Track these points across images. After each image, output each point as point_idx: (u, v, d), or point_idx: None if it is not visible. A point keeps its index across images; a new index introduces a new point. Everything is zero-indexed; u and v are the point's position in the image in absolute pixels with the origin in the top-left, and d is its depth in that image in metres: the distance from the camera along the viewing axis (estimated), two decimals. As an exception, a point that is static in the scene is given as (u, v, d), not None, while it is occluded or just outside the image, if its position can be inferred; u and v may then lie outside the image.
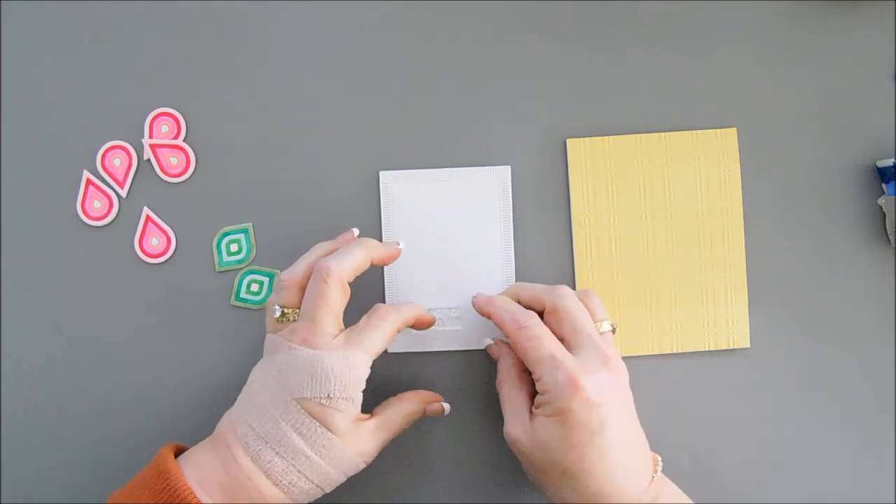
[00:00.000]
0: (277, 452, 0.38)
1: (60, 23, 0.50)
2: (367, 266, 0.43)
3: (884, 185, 0.49)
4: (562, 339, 0.41)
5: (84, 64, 0.50)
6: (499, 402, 0.44)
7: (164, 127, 0.50)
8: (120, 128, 0.50)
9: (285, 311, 0.42)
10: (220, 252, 0.50)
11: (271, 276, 0.50)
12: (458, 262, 0.48)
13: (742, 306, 0.49)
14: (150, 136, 0.50)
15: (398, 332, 0.43)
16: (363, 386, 0.40)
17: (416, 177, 0.48)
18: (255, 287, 0.49)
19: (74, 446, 0.49)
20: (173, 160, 0.50)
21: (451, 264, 0.48)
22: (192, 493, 0.36)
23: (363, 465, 0.41)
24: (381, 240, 0.48)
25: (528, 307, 0.44)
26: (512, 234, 0.49)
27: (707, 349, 0.49)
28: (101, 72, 0.50)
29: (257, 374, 0.41)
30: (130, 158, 0.50)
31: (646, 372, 0.49)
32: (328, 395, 0.38)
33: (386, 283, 0.49)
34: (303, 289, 0.42)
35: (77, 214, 0.50)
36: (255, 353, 0.46)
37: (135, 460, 0.45)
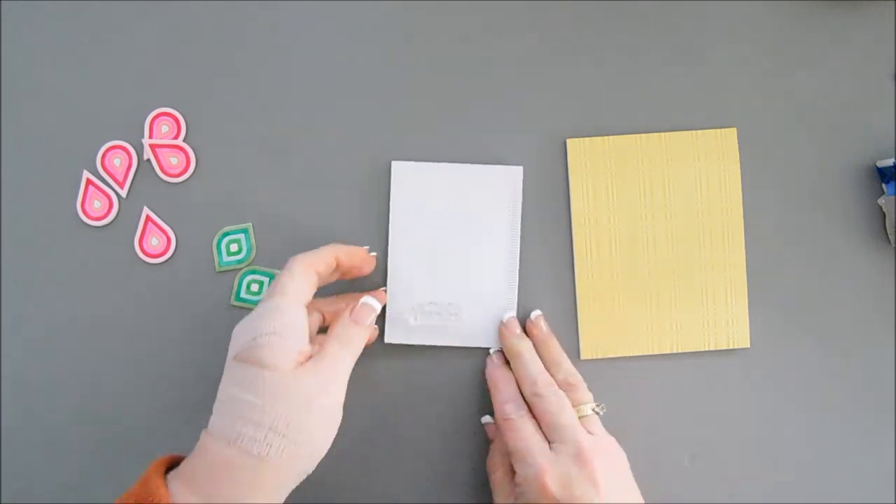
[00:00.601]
0: (222, 412, 0.37)
1: (60, 23, 0.50)
2: (331, 263, 0.42)
3: (884, 185, 0.49)
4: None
5: (84, 64, 0.50)
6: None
7: (164, 127, 0.50)
8: (120, 128, 0.50)
9: None
10: (220, 252, 0.50)
11: (271, 276, 0.50)
12: (462, 259, 0.48)
13: (742, 306, 0.49)
14: (150, 136, 0.50)
15: (320, 273, 0.42)
16: (296, 326, 0.38)
17: (426, 170, 0.48)
18: (255, 287, 0.49)
19: (74, 446, 0.49)
20: (173, 160, 0.50)
21: (454, 260, 0.48)
22: (165, 493, 0.35)
23: (327, 402, 0.38)
24: (387, 234, 0.48)
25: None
26: (519, 235, 0.48)
27: (707, 349, 0.49)
28: (101, 72, 0.50)
29: None
30: (130, 158, 0.50)
31: (646, 372, 0.49)
32: (253, 337, 0.37)
33: (388, 275, 0.48)
34: None
35: (77, 214, 0.50)
36: (255, 353, 0.46)
37: (135, 460, 0.45)
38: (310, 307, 0.42)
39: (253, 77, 0.50)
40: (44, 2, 0.51)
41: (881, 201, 0.49)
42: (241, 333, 0.39)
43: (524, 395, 0.45)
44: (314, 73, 0.50)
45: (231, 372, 0.38)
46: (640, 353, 0.49)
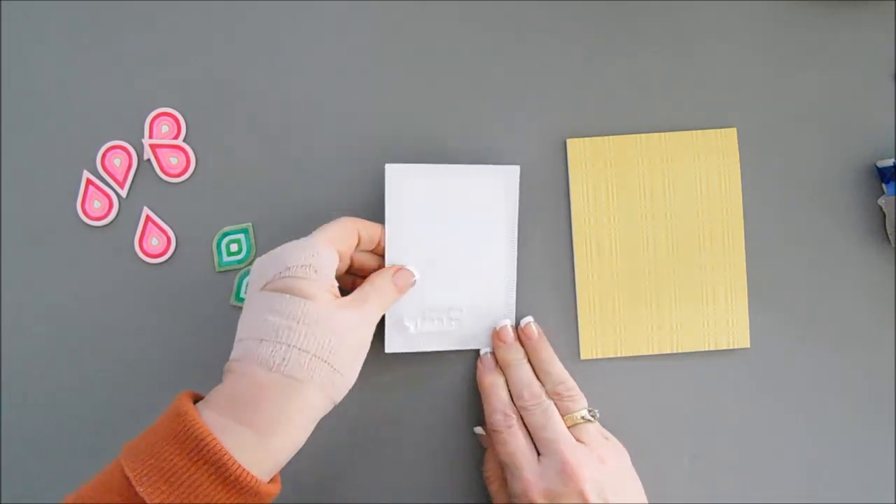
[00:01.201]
0: (262, 339, 0.37)
1: (60, 23, 0.50)
2: (354, 235, 0.43)
3: (884, 185, 0.49)
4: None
5: (84, 64, 0.50)
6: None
7: (164, 127, 0.50)
8: (120, 128, 0.50)
9: None
10: (220, 252, 0.50)
11: (271, 276, 0.50)
12: (460, 262, 0.47)
13: (742, 306, 0.49)
14: (150, 136, 0.50)
15: (355, 233, 0.43)
16: (327, 264, 0.40)
17: (421, 172, 0.46)
18: (255, 287, 0.49)
19: (74, 446, 0.49)
20: (173, 160, 0.50)
21: (452, 264, 0.47)
22: (203, 427, 0.35)
23: (362, 336, 0.40)
24: (383, 237, 0.46)
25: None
26: (516, 235, 0.47)
27: (707, 349, 0.49)
28: (101, 72, 0.50)
29: None
30: (130, 158, 0.50)
31: (646, 372, 0.49)
32: (286, 267, 0.39)
33: None
34: None
35: (77, 214, 0.50)
36: (255, 353, 0.46)
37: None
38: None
39: (253, 77, 0.50)
40: (44, 2, 0.51)
41: (881, 201, 0.49)
42: (270, 265, 0.39)
43: (515, 405, 0.45)
44: (314, 73, 0.50)
45: (264, 301, 0.38)
46: (640, 353, 0.49)
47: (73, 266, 0.50)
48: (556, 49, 0.50)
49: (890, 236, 0.49)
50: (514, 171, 0.47)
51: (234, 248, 0.50)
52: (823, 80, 0.50)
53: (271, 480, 0.37)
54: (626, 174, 0.49)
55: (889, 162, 0.48)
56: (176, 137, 0.50)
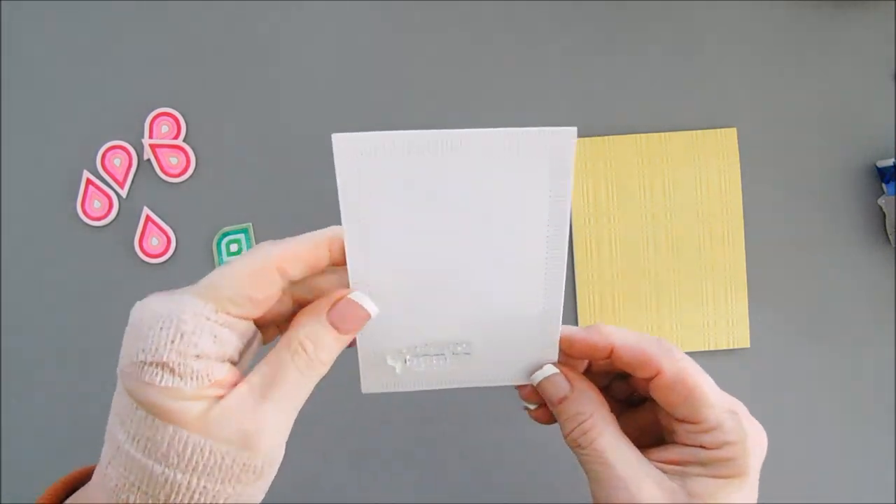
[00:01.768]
0: (109, 460, 0.26)
1: (60, 23, 0.50)
2: (269, 281, 0.27)
3: (884, 185, 0.49)
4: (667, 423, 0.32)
5: (84, 64, 0.50)
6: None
7: (164, 127, 0.50)
8: (120, 128, 0.50)
9: None
10: (220, 252, 0.50)
11: (271, 276, 0.50)
12: (471, 275, 0.30)
13: (742, 306, 0.49)
14: (150, 136, 0.50)
15: (272, 277, 0.27)
16: (205, 348, 0.26)
17: (396, 145, 0.27)
18: (255, 287, 0.49)
19: (74, 446, 0.49)
20: (173, 160, 0.50)
21: (459, 278, 0.30)
22: None
23: (265, 462, 0.26)
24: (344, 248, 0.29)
25: (599, 369, 0.33)
26: (567, 230, 0.29)
27: (707, 349, 0.49)
28: (101, 72, 0.50)
29: None
30: (130, 158, 0.50)
31: (646, 372, 0.49)
32: (140, 351, 0.26)
33: None
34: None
35: (77, 214, 0.50)
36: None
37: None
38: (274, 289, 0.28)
39: (253, 77, 0.50)
40: (44, 2, 0.51)
41: (881, 201, 0.49)
42: (132, 334, 0.27)
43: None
44: (314, 73, 0.50)
45: (116, 399, 0.27)
46: (640, 353, 0.49)
47: (73, 266, 0.50)
48: (556, 49, 0.50)
49: (890, 236, 0.49)
50: (568, 134, 0.28)
51: (234, 248, 0.50)
52: (823, 80, 0.50)
53: None
54: (626, 174, 0.49)
55: (889, 162, 0.48)
56: (176, 137, 0.50)
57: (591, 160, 0.49)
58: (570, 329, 0.32)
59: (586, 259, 0.49)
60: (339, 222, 0.32)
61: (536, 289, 0.30)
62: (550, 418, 0.33)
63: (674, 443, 0.31)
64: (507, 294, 0.30)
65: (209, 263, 0.50)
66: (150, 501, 0.25)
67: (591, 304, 0.49)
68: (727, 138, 0.50)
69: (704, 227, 0.50)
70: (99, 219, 0.50)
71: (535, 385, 0.32)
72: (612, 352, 0.31)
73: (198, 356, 0.25)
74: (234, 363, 0.27)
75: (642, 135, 0.50)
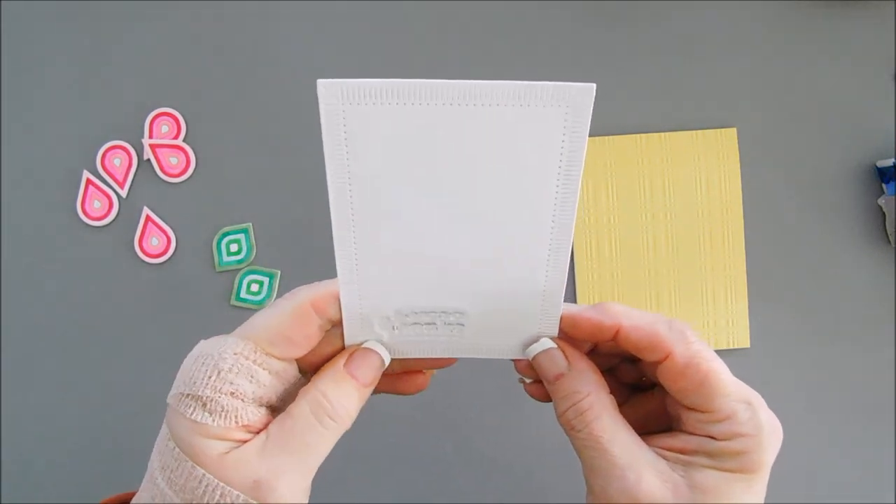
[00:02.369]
0: (147, 482, 0.27)
1: (60, 23, 0.50)
2: (308, 322, 0.27)
3: (884, 185, 0.49)
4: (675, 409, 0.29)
5: (84, 64, 0.50)
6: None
7: (164, 127, 0.50)
8: (120, 128, 0.50)
9: None
10: (220, 252, 0.50)
11: (271, 276, 0.50)
12: (469, 243, 0.28)
13: (742, 306, 0.49)
14: (150, 136, 0.50)
15: (310, 318, 0.27)
16: (240, 385, 0.26)
17: (390, 93, 0.25)
18: (255, 287, 0.49)
19: (75, 446, 0.49)
20: (173, 160, 0.50)
21: (455, 245, 0.28)
22: None
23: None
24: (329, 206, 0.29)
25: (607, 350, 0.30)
26: (577, 197, 0.27)
27: (707, 349, 0.49)
28: (101, 72, 0.50)
29: None
30: (130, 158, 0.50)
31: (646, 372, 0.49)
32: (183, 386, 0.26)
33: (337, 261, 0.28)
34: None
35: (77, 214, 0.50)
36: (255, 353, 0.46)
37: (135, 460, 0.44)
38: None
39: (253, 77, 0.50)
40: (44, 2, 0.51)
41: (881, 201, 0.49)
42: (181, 372, 0.27)
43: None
44: (314, 72, 0.50)
45: (161, 432, 0.28)
46: (640, 353, 0.49)
47: (73, 266, 0.50)
48: (555, 49, 0.50)
49: (890, 236, 0.49)
50: (588, 91, 0.25)
51: (234, 248, 0.50)
52: (823, 80, 0.50)
53: None
54: (626, 174, 0.49)
55: (889, 162, 0.48)
56: (176, 137, 0.50)
57: (591, 160, 0.49)
58: (574, 307, 0.29)
59: (586, 259, 0.49)
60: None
61: (540, 259, 0.28)
62: (547, 395, 0.30)
63: (681, 431, 0.28)
64: (508, 263, 0.28)
65: (209, 263, 0.50)
66: None
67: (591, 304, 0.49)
68: (727, 138, 0.50)
69: (704, 227, 0.50)
70: (99, 219, 0.50)
71: (530, 359, 0.29)
72: (618, 332, 0.28)
73: (232, 394, 0.26)
74: (272, 408, 0.27)
75: (642, 135, 0.50)
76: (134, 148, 0.50)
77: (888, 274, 0.50)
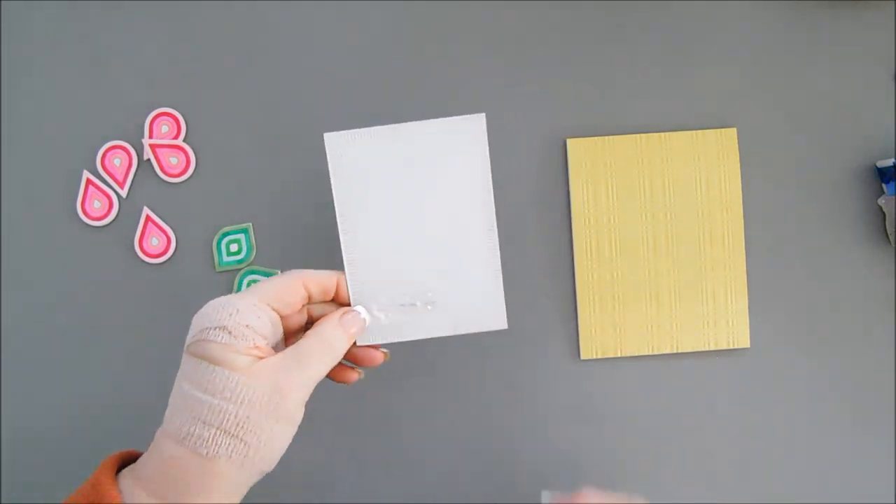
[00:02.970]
0: (174, 407, 0.35)
1: (60, 23, 0.50)
2: (297, 290, 0.38)
3: (884, 185, 0.49)
4: None
5: (84, 64, 0.50)
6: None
7: (164, 127, 0.50)
8: (120, 128, 0.50)
9: None
10: (220, 252, 0.50)
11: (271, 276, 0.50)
12: (429, 238, 0.40)
13: (742, 306, 0.49)
14: (150, 136, 0.50)
15: (299, 288, 0.38)
16: (250, 324, 0.35)
17: (369, 137, 0.39)
18: (255, 287, 0.49)
19: (74, 446, 0.49)
20: (173, 160, 0.50)
21: (420, 241, 0.40)
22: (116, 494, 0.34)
23: (282, 403, 0.35)
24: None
25: None
26: (492, 196, 0.39)
27: (707, 349, 0.49)
28: (101, 72, 0.50)
29: None
30: (130, 158, 0.50)
31: (646, 372, 0.49)
32: (202, 328, 0.36)
33: (346, 271, 0.40)
34: None
35: (77, 214, 0.50)
36: (255, 353, 0.46)
37: (135, 460, 0.45)
38: (297, 311, 0.39)
39: (253, 77, 0.50)
40: (44, 2, 0.51)
41: (881, 201, 0.49)
42: (196, 323, 0.37)
43: None
44: (314, 72, 0.50)
45: (183, 365, 0.36)
46: (640, 353, 0.49)
47: (73, 266, 0.50)
48: (556, 49, 0.50)
49: (890, 236, 0.49)
50: (479, 120, 0.39)
51: (234, 248, 0.50)
52: (823, 80, 0.50)
53: None
54: (626, 174, 0.49)
55: (889, 162, 0.48)
56: (176, 137, 0.50)
57: (591, 160, 0.49)
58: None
59: (586, 259, 0.49)
60: (334, 221, 0.40)
61: (478, 251, 0.40)
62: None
63: None
64: (458, 257, 0.40)
65: (209, 263, 0.50)
66: (207, 428, 0.34)
67: (592, 304, 0.49)
68: (727, 138, 0.50)
69: (704, 227, 0.50)
70: (99, 219, 0.50)
71: None
72: None
73: (247, 326, 0.36)
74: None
75: (642, 135, 0.50)
76: (134, 148, 0.50)
77: (888, 274, 0.50)
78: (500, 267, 0.40)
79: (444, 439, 0.49)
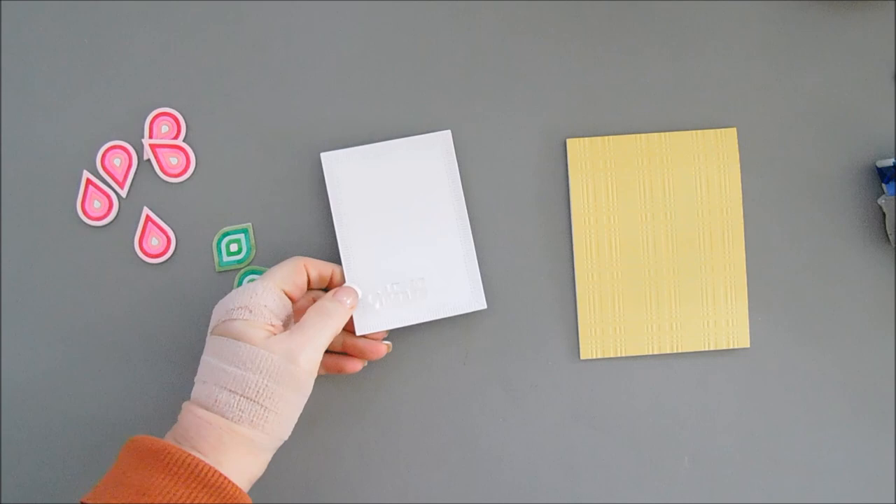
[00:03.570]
0: (203, 380, 0.41)
1: (60, 23, 0.50)
2: (301, 272, 0.45)
3: (884, 185, 0.49)
4: None
5: (84, 64, 0.50)
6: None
7: (164, 127, 0.50)
8: (120, 128, 0.50)
9: None
10: (220, 252, 0.50)
11: (271, 276, 0.50)
12: (415, 235, 0.48)
13: (742, 306, 0.49)
14: (150, 136, 0.50)
15: (303, 270, 0.45)
16: (266, 303, 0.42)
17: (357, 154, 0.48)
18: (255, 287, 0.49)
19: (75, 446, 0.49)
20: (173, 160, 0.50)
21: (407, 238, 0.48)
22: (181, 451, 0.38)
23: (296, 371, 0.40)
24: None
25: None
26: (462, 197, 0.48)
27: (707, 349, 0.49)
28: (101, 72, 0.50)
29: None
30: (130, 158, 0.50)
31: (646, 372, 0.49)
32: (227, 310, 0.42)
33: (345, 268, 0.47)
34: None
35: (77, 214, 0.50)
36: (255, 353, 0.46)
37: (135, 460, 0.44)
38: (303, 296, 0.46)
39: (253, 77, 0.50)
40: (44, 2, 0.51)
41: (881, 201, 0.49)
42: (220, 309, 0.43)
43: None
44: (314, 73, 0.50)
45: (209, 345, 0.42)
46: (640, 353, 0.49)
47: (73, 266, 0.50)
48: (556, 49, 0.50)
49: (890, 236, 0.49)
50: (446, 136, 0.48)
51: (233, 248, 0.50)
52: (823, 80, 0.50)
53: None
54: (626, 174, 0.50)
55: (889, 162, 0.48)
56: (176, 137, 0.50)
57: (591, 160, 0.49)
58: None
59: (586, 259, 0.49)
60: (330, 220, 0.48)
61: (457, 247, 0.48)
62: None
63: None
64: (440, 250, 0.48)
65: (209, 263, 0.50)
66: (232, 395, 0.39)
67: (591, 304, 0.49)
68: (727, 138, 0.50)
69: (704, 227, 0.50)
70: (99, 219, 0.50)
71: None
72: None
73: (265, 306, 0.42)
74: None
75: (642, 135, 0.50)
76: (134, 148, 0.50)
77: (888, 274, 0.50)
78: (475, 257, 0.48)
79: (444, 439, 0.49)
